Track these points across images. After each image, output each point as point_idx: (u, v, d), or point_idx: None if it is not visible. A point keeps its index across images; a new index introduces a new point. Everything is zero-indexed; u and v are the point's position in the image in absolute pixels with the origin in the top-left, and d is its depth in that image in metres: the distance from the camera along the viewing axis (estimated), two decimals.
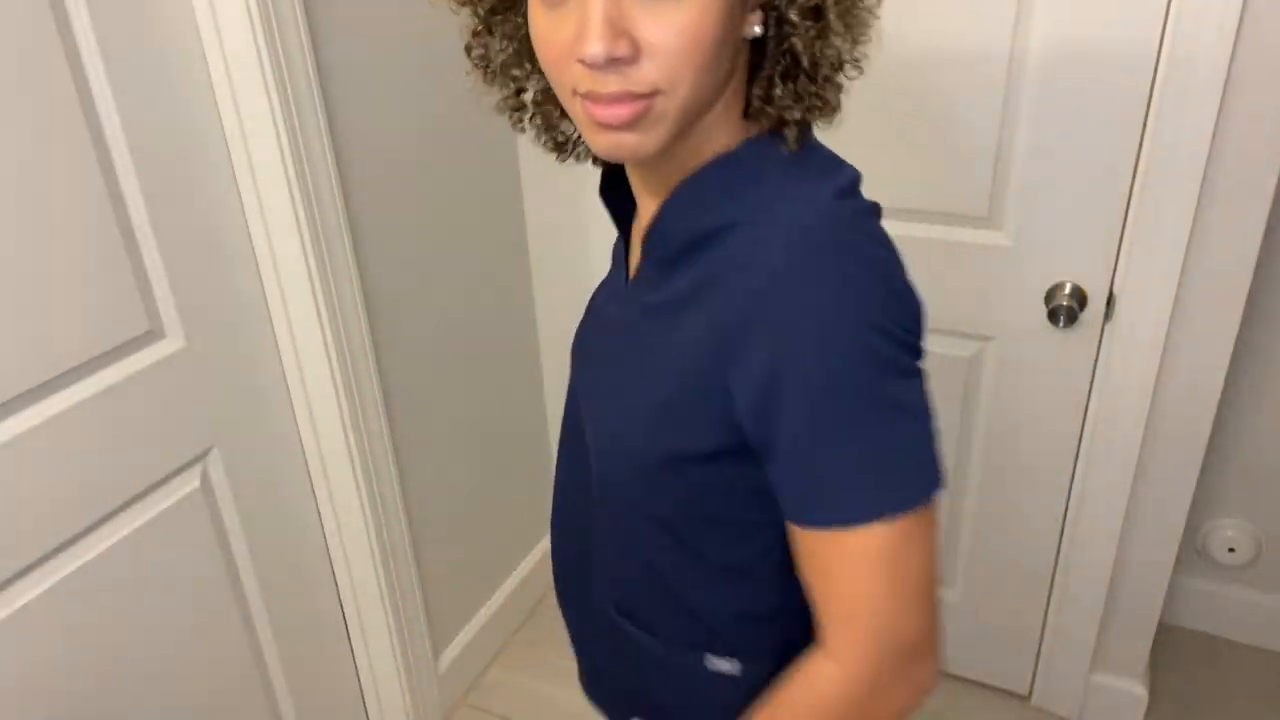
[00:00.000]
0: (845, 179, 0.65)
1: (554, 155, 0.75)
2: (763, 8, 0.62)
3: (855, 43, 0.63)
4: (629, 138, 0.60)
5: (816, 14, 0.61)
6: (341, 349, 1.42)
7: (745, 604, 0.73)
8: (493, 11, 0.68)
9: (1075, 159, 1.36)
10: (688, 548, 0.72)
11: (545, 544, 2.14)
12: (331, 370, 1.41)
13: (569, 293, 1.90)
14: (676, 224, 0.67)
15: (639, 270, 0.73)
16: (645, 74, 0.58)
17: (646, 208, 0.72)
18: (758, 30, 0.62)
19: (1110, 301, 1.43)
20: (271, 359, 1.41)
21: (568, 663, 1.96)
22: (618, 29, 0.56)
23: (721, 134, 0.66)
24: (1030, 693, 1.81)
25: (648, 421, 0.67)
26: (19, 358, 1.06)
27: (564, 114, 0.74)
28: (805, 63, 0.62)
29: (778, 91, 0.63)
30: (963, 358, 1.57)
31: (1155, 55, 1.26)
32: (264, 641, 1.48)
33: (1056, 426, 1.55)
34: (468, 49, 0.71)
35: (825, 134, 1.50)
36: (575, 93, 0.60)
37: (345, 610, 1.65)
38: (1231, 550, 1.85)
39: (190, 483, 1.31)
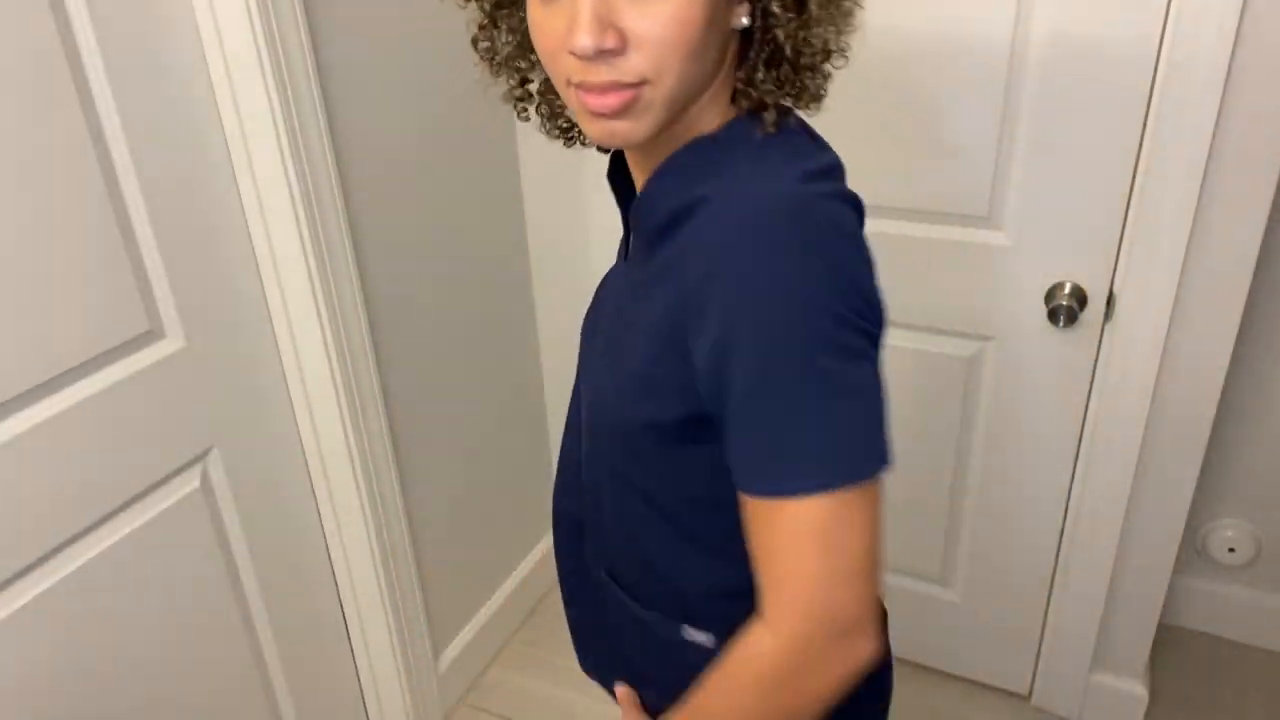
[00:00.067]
0: (817, 164, 0.67)
1: (560, 142, 0.79)
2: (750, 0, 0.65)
3: (840, 32, 0.66)
4: (620, 125, 0.64)
5: (799, 5, 0.64)
6: (341, 349, 1.42)
7: (720, 580, 0.75)
8: (498, 6, 0.72)
9: (1075, 158, 1.36)
10: (667, 520, 0.74)
11: (545, 544, 2.15)
12: (331, 370, 1.41)
13: (569, 293, 1.90)
14: (656, 202, 0.70)
15: (632, 250, 0.76)
16: (633, 64, 0.61)
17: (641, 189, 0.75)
18: (745, 21, 0.65)
19: (1110, 301, 1.43)
20: (271, 359, 1.41)
21: (568, 662, 1.96)
22: (605, 22, 0.60)
23: (711, 118, 0.70)
24: (1030, 693, 1.81)
25: (625, 392, 0.71)
26: (19, 358, 1.06)
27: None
28: (789, 51, 0.65)
29: (760, 76, 0.67)
30: (963, 358, 1.57)
31: (1155, 55, 1.26)
32: (264, 641, 1.48)
33: (1056, 426, 1.55)
34: (474, 42, 0.74)
35: (826, 134, 1.50)
36: (569, 83, 0.64)
37: (345, 610, 1.65)
38: (1231, 550, 1.85)
39: (190, 483, 1.31)
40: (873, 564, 0.61)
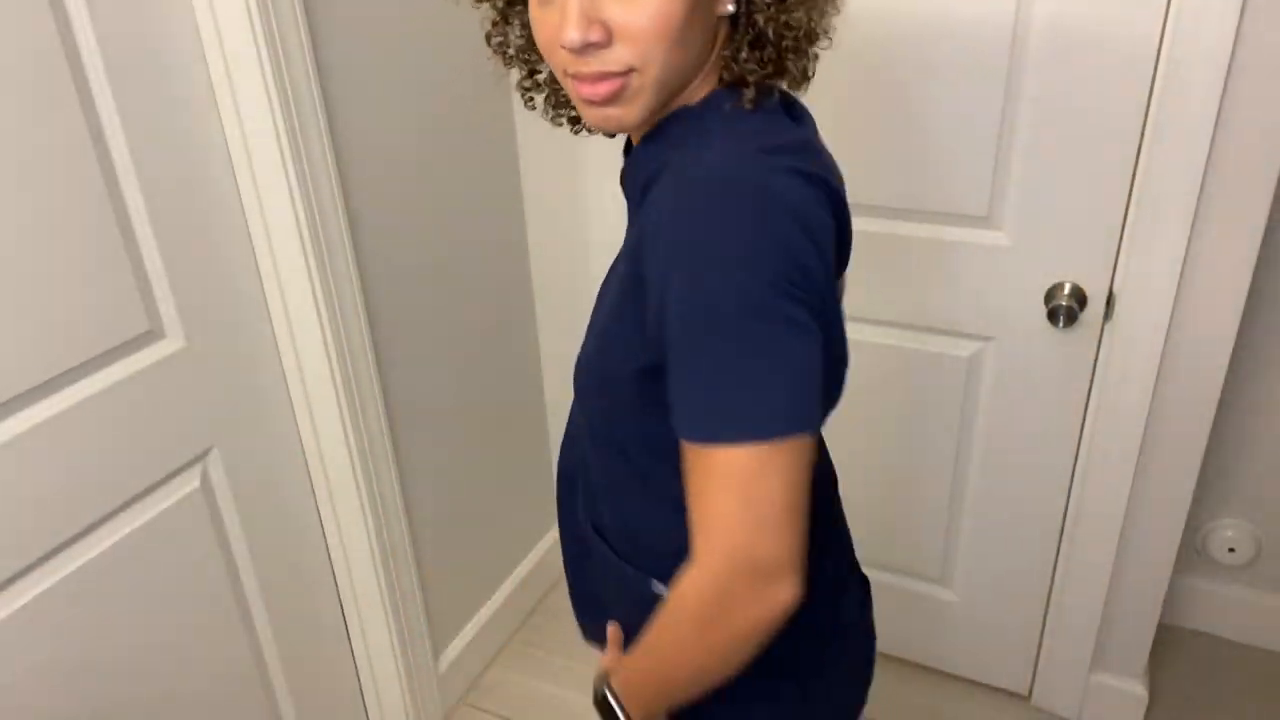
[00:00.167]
0: (784, 139, 0.70)
1: (569, 128, 0.83)
2: None
3: (821, 15, 0.72)
4: (613, 111, 0.70)
5: None
6: (341, 349, 1.42)
7: (687, 537, 0.77)
8: (510, 4, 0.78)
9: (1075, 158, 1.36)
10: (637, 476, 0.79)
11: (545, 544, 2.15)
12: (331, 370, 1.41)
13: (569, 293, 1.90)
14: (638, 169, 0.76)
15: (628, 216, 0.81)
16: (618, 55, 0.67)
17: None
18: (731, 8, 0.70)
19: (1110, 301, 1.43)
20: (271, 359, 1.41)
21: (567, 663, 1.96)
22: (591, 17, 0.66)
23: (700, 95, 0.75)
24: (1030, 693, 1.81)
25: (597, 346, 0.77)
26: (19, 358, 1.06)
27: None
28: (770, 34, 0.70)
29: (744, 56, 0.72)
30: (963, 358, 1.57)
31: (1155, 54, 1.27)
32: (264, 641, 1.48)
33: (1056, 426, 1.55)
34: (488, 37, 0.81)
35: (827, 135, 1.50)
36: (566, 73, 0.70)
37: (345, 610, 1.65)
38: (1231, 550, 1.85)
39: (190, 483, 1.31)
40: (793, 517, 0.64)
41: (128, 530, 1.22)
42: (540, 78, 0.83)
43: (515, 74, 0.82)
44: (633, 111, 0.70)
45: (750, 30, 0.71)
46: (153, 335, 1.23)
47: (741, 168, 0.65)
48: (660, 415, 0.72)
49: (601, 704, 0.81)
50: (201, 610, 1.35)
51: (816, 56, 0.75)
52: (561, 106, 0.85)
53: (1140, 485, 1.54)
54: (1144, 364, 1.43)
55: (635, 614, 0.83)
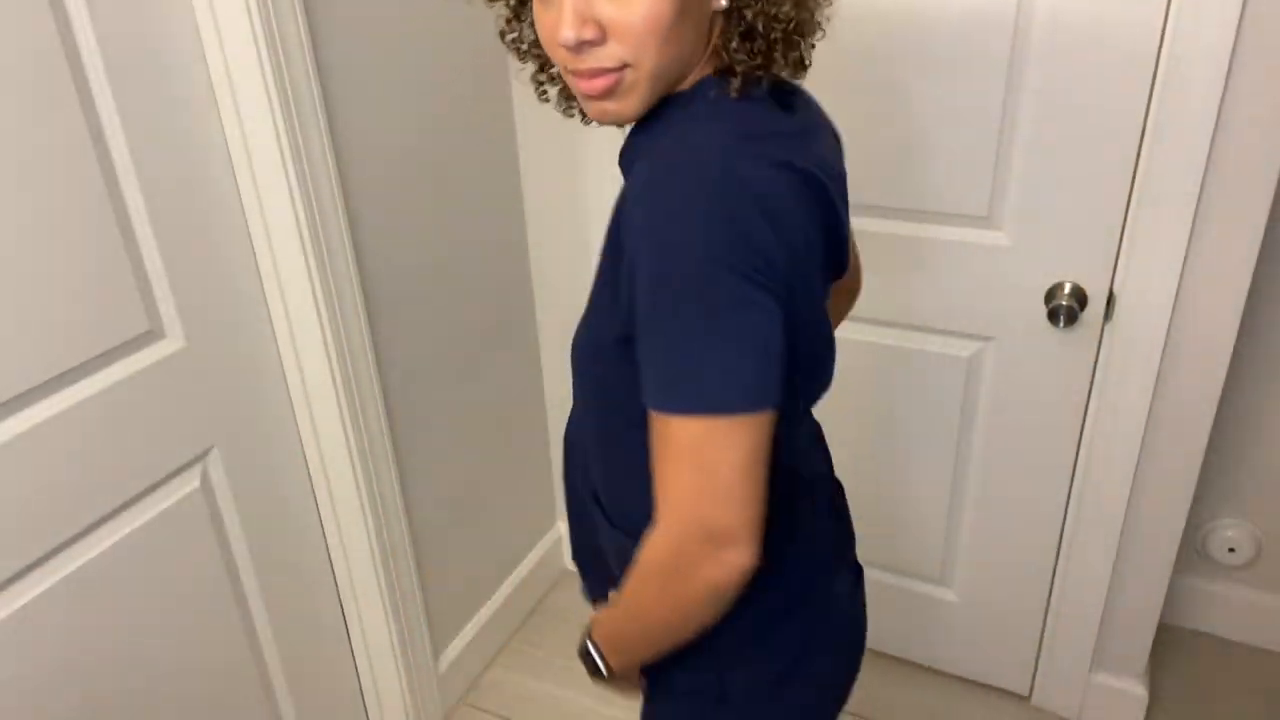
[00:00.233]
0: (763, 128, 0.73)
1: (579, 119, 0.87)
2: None
3: (810, 9, 0.75)
4: (610, 105, 0.74)
5: None
6: (341, 349, 1.42)
7: None
8: (521, 1, 0.82)
9: (1075, 157, 1.36)
10: (623, 447, 0.82)
11: (545, 544, 2.15)
12: (331, 370, 1.41)
13: (569, 292, 1.90)
14: (633, 151, 0.80)
15: None
16: (612, 52, 0.70)
17: None
18: (724, 3, 0.73)
19: (1110, 301, 1.43)
20: (271, 359, 1.41)
21: (567, 663, 1.96)
22: (584, 17, 0.69)
23: (693, 83, 0.77)
24: (1030, 693, 1.81)
25: (586, 318, 0.81)
26: (19, 358, 1.06)
27: None
28: (760, 27, 0.73)
29: (734, 47, 0.74)
30: (963, 358, 1.57)
31: (1155, 54, 1.26)
32: (264, 641, 1.48)
33: (1056, 426, 1.55)
34: (502, 34, 0.85)
35: None
36: (566, 69, 0.73)
37: (345, 610, 1.65)
38: (1231, 550, 1.85)
39: (190, 483, 1.31)
40: (746, 486, 0.67)
41: (128, 530, 1.22)
42: (553, 71, 0.86)
43: (516, 72, 0.85)
44: (629, 104, 0.73)
45: (741, 23, 0.74)
46: (153, 335, 1.23)
47: (712, 151, 0.68)
48: (637, 384, 0.75)
49: (584, 654, 0.86)
50: (201, 610, 1.35)
51: (813, 46, 0.77)
52: (573, 99, 0.88)
53: (1140, 485, 1.54)
54: (1144, 364, 1.43)
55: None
